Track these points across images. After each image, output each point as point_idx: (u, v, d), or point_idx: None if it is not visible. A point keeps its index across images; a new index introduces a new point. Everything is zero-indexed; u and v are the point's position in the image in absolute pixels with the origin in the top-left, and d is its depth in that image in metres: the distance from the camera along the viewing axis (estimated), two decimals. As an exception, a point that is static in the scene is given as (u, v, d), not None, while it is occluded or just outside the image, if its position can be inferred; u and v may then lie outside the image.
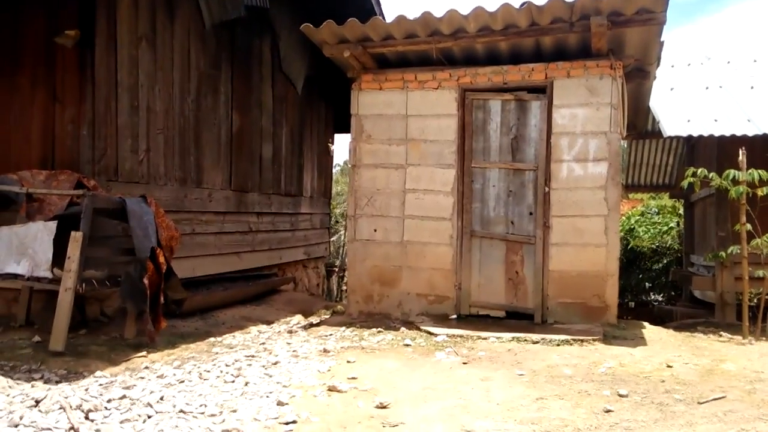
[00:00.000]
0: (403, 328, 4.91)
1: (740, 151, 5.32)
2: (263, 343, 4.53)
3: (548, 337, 4.49)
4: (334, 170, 12.01)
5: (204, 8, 6.06)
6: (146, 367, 3.68)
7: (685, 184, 5.53)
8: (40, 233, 4.13)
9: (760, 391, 3.19)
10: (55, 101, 4.85)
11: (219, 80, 6.40)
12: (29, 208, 4.34)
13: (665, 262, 11.91)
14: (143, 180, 5.33)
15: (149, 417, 2.76)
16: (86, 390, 3.13)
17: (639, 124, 8.33)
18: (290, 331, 5.09)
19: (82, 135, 4.77)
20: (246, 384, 3.31)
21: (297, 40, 7.44)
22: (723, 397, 3.07)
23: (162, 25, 5.56)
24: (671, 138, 8.84)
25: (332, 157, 9.67)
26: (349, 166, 5.81)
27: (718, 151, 7.50)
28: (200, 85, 6.09)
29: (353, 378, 3.46)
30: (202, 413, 2.81)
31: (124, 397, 3.01)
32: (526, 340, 4.46)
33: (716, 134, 6.97)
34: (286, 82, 7.75)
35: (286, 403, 2.96)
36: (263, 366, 3.72)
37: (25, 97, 4.92)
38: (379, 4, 7.58)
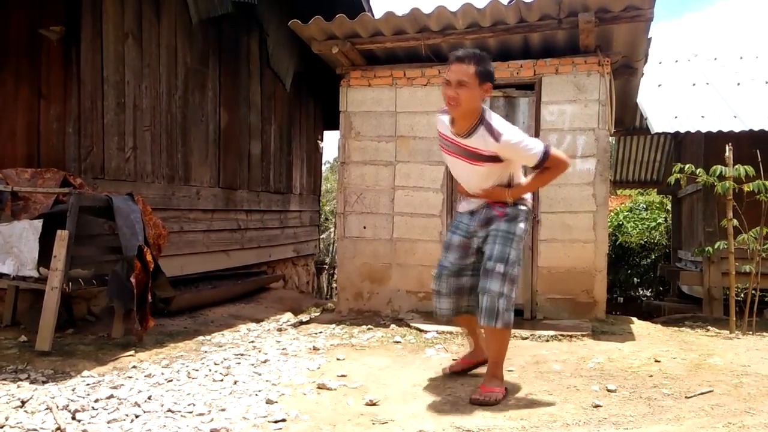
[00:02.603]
0: (393, 326, 4.91)
1: (727, 147, 5.35)
2: (252, 342, 4.51)
3: (537, 332, 4.51)
4: (323, 167, 11.99)
5: (191, 4, 6.01)
6: (134, 367, 3.65)
7: (672, 180, 5.56)
8: (26, 232, 4.08)
9: (747, 385, 3.21)
10: (40, 98, 4.79)
11: (206, 77, 6.36)
12: (14, 206, 4.29)
13: (653, 257, 12.01)
14: (130, 178, 5.29)
15: (137, 416, 2.74)
16: (73, 390, 3.10)
17: (627, 120, 8.38)
18: (280, 329, 5.07)
19: (67, 132, 4.71)
20: (235, 383, 3.30)
21: (285, 37, 7.41)
22: (710, 392, 3.09)
23: (148, 21, 5.51)
24: (659, 134, 8.91)
25: (321, 154, 9.64)
26: (338, 163, 5.79)
27: (705, 147, 7.58)
28: (187, 82, 6.05)
29: (343, 375, 3.45)
30: (191, 412, 2.79)
31: (111, 396, 2.98)
32: (515, 336, 4.47)
33: (703, 130, 7.03)
34: (274, 79, 7.71)
35: (276, 402, 2.95)
36: (252, 364, 3.71)
37: (9, 94, 4.85)
38: (367, 0, 7.55)
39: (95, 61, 4.92)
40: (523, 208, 3.10)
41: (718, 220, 6.39)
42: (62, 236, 3.83)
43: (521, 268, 3.12)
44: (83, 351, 3.96)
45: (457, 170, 3.16)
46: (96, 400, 2.91)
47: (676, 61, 9.22)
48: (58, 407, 2.77)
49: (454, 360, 3.71)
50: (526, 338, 4.42)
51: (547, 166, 2.96)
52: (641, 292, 12.32)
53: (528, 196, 3.16)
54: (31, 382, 3.25)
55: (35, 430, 2.54)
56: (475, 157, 2.99)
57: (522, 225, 3.06)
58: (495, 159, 2.94)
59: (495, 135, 2.88)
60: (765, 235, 5.26)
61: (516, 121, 5.29)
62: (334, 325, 5.01)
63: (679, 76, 8.67)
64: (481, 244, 3.11)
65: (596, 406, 2.88)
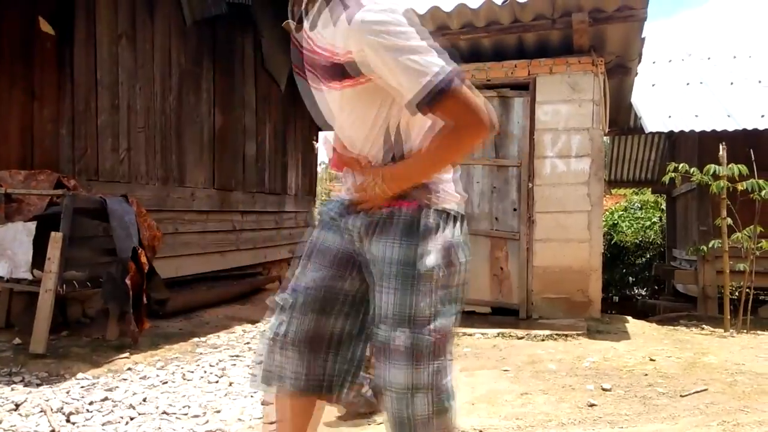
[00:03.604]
0: (388, 326, 4.90)
1: (720, 146, 5.38)
2: (248, 343, 4.50)
3: (533, 332, 4.51)
4: (319, 168, 11.97)
5: (185, 5, 5.99)
6: (129, 369, 3.63)
7: (666, 179, 5.58)
8: (19, 234, 4.06)
9: (741, 384, 3.23)
10: (34, 99, 4.77)
11: (201, 78, 6.34)
12: (8, 208, 4.27)
13: (648, 256, 12.05)
14: (124, 179, 5.26)
15: (132, 419, 2.73)
16: (67, 392, 3.09)
17: (621, 120, 8.40)
18: (275, 330, 5.06)
19: (61, 134, 4.69)
20: (230, 384, 3.29)
21: (280, 37, 7.38)
22: (705, 390, 3.10)
23: (142, 22, 5.49)
24: (653, 134, 8.93)
25: (317, 154, 9.63)
26: (333, 163, 5.77)
27: (699, 146, 7.60)
28: (182, 83, 6.03)
29: (338, 376, 3.44)
30: (186, 414, 2.79)
31: (106, 399, 2.97)
32: (511, 335, 4.48)
33: (697, 130, 7.05)
34: (269, 80, 7.70)
35: (271, 403, 2.94)
36: (248, 366, 3.70)
37: (2, 95, 4.82)
38: (362, 1, 7.54)
39: (89, 62, 4.90)
40: (437, 210, 1.48)
41: (713, 218, 6.41)
42: (56, 238, 3.81)
43: (452, 317, 1.51)
44: (78, 353, 3.94)
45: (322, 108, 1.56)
46: (90, 403, 2.90)
47: (670, 61, 9.25)
48: (52, 410, 2.76)
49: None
50: (522, 338, 4.43)
51: (447, 119, 1.35)
52: (636, 291, 12.35)
53: (448, 187, 1.52)
54: (26, 385, 3.24)
55: (29, 433, 2.53)
56: (326, 70, 1.42)
57: (434, 249, 1.44)
58: (353, 70, 1.37)
59: (350, 6, 1.35)
60: (759, 233, 5.28)
61: (511, 120, 5.29)
62: (329, 326, 4.99)
63: (672, 75, 8.69)
64: (368, 265, 1.50)
65: (591, 405, 2.89)
